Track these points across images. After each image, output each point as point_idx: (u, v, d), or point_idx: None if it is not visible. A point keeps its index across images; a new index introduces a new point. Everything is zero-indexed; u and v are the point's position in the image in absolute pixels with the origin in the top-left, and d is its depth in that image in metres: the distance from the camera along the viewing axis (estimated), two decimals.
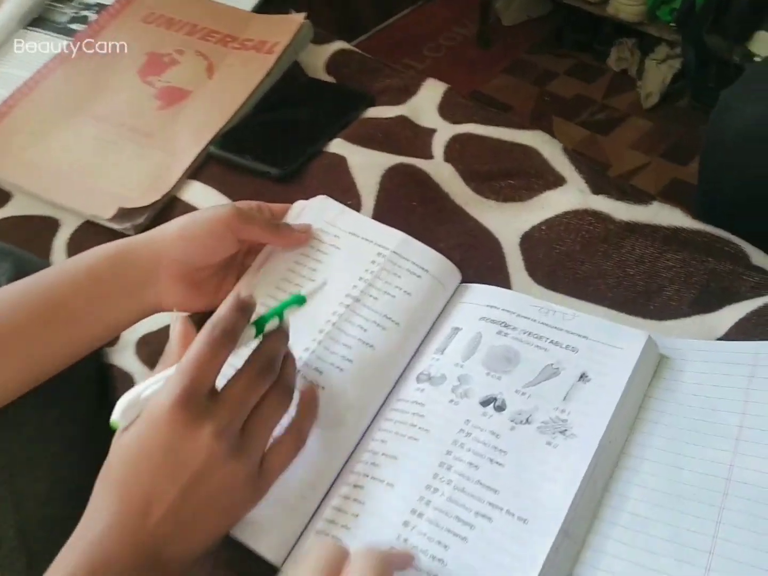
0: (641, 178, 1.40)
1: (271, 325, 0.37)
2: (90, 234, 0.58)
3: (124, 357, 0.51)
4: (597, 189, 0.56)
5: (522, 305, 0.44)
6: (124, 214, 0.56)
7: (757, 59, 1.34)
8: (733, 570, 0.30)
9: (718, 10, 1.37)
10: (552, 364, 0.40)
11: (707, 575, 0.30)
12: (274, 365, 0.36)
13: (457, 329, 0.44)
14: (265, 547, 0.36)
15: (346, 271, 0.47)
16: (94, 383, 0.49)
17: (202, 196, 0.58)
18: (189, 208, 0.57)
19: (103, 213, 0.56)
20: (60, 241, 0.58)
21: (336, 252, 0.48)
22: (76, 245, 0.57)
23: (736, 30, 1.36)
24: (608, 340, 0.40)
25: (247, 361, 0.35)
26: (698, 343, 0.41)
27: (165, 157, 0.59)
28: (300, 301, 0.39)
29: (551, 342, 0.41)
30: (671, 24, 1.47)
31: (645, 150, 1.43)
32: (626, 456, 0.36)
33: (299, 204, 0.52)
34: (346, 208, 0.52)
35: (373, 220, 0.51)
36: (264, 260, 0.48)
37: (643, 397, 0.38)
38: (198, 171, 0.60)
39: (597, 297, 0.49)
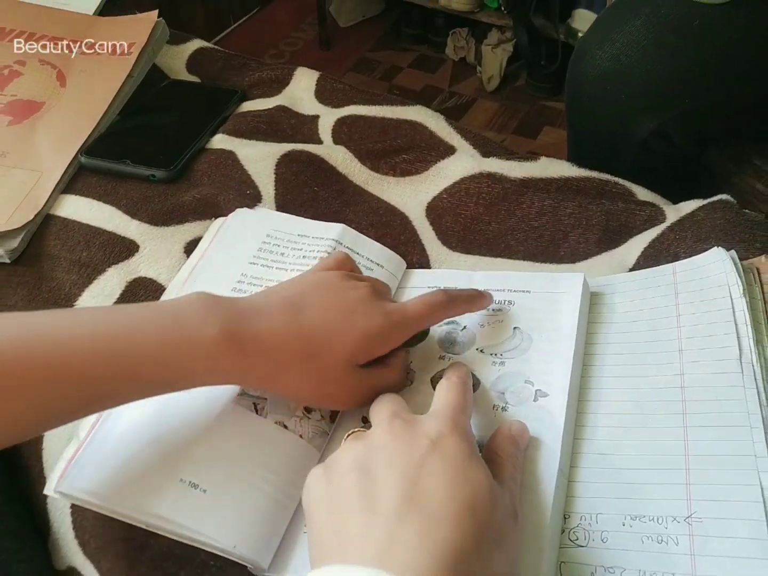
0: None
1: None
2: None
3: None
4: (486, 152, 0.58)
5: (460, 279, 0.45)
6: None
7: (580, 35, 1.46)
8: (707, 464, 0.31)
9: None
10: (515, 326, 0.40)
11: (688, 475, 0.31)
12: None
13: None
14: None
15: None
16: None
17: (83, 208, 0.52)
18: (68, 223, 0.51)
19: None
20: None
21: (297, 253, 0.46)
22: None
23: (558, 10, 1.47)
24: (551, 288, 0.41)
25: None
26: (621, 276, 0.44)
27: (29, 175, 0.53)
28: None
29: (508, 303, 0.42)
30: (501, 9, 1.57)
31: (498, 129, 1.51)
32: (587, 390, 0.37)
33: (219, 221, 0.50)
34: (283, 214, 0.51)
35: (310, 220, 0.50)
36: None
37: (586, 333, 0.40)
38: (71, 184, 0.54)
39: (510, 252, 0.50)
